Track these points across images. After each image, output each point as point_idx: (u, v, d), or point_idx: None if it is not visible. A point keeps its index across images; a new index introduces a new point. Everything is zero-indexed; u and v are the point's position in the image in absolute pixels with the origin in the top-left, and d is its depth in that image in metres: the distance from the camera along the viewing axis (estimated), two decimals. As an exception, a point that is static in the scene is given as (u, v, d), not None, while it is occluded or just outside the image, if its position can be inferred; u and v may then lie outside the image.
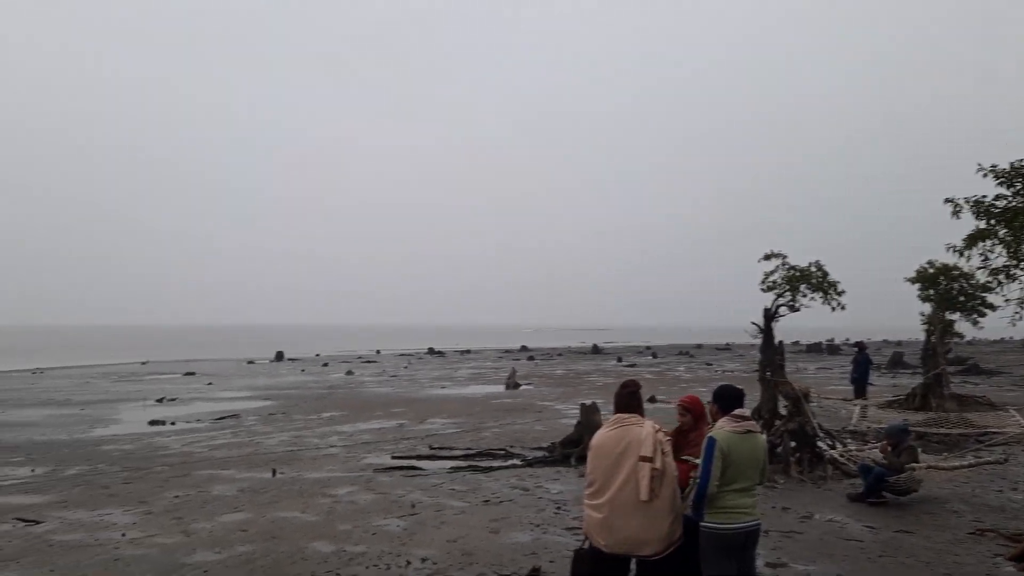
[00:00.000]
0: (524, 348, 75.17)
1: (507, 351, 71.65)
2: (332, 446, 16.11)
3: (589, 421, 14.10)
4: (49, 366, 50.06)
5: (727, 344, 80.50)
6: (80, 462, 14.42)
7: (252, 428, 19.37)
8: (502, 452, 14.76)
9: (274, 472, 13.01)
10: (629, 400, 5.45)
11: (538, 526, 9.35)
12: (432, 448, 15.43)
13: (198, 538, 8.94)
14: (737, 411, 5.31)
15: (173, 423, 20.55)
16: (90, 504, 10.77)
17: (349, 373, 41.32)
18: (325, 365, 49.39)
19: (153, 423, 20.54)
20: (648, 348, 74.70)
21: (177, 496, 11.22)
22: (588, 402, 14.95)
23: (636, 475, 5.05)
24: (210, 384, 34.66)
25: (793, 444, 12.44)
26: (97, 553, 8.36)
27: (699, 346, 79.22)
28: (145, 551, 8.42)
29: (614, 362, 52.06)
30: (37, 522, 9.74)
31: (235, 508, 10.44)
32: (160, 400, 26.94)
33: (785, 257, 14.24)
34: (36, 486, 12.23)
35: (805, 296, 14.08)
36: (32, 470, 13.65)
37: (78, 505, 10.72)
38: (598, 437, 5.38)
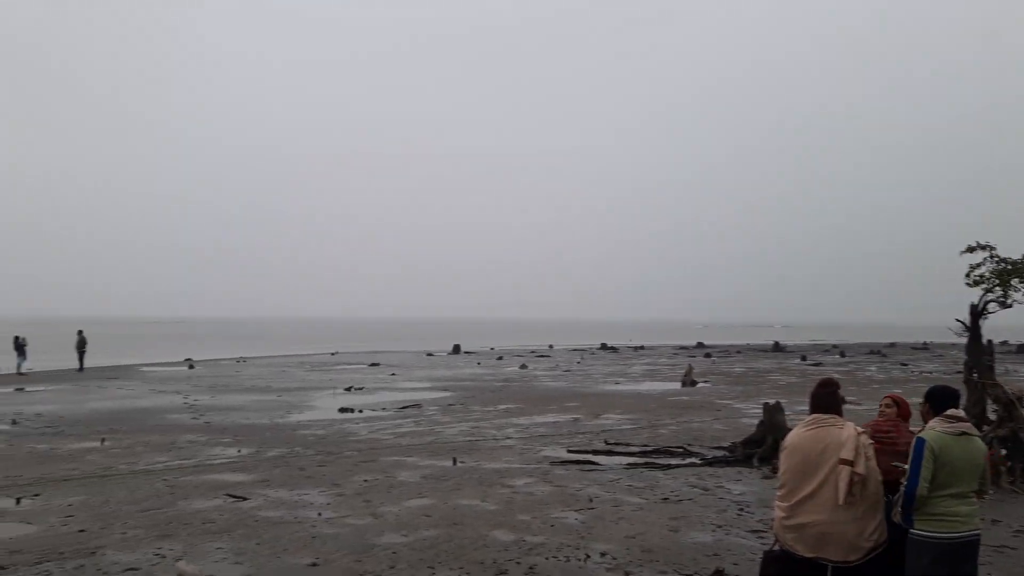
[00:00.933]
0: (700, 345, 73.45)
1: (682, 347, 70.31)
2: (508, 438, 16.42)
3: (773, 421, 13.57)
4: (251, 355, 54.27)
5: (924, 343, 74.97)
6: (280, 445, 15.49)
7: (433, 418, 20.10)
8: (680, 450, 14.47)
9: (454, 461, 13.41)
10: (828, 400, 5.15)
11: (720, 527, 9.08)
12: (608, 443, 15.37)
13: (385, 521, 9.36)
14: (950, 411, 4.89)
15: (360, 411, 21.66)
16: (289, 484, 11.54)
17: (523, 367, 42.00)
18: (500, 359, 50.46)
19: (343, 410, 21.74)
20: (835, 346, 70.90)
21: (366, 480, 11.81)
22: (772, 401, 14.38)
23: (835, 478, 4.78)
24: (393, 375, 36.31)
25: (1004, 452, 11.38)
26: (296, 530, 8.94)
27: (892, 344, 74.31)
28: (339, 530, 8.91)
29: (798, 360, 49.83)
30: (244, 498, 10.56)
31: (419, 494, 10.84)
32: (348, 389, 28.50)
33: (993, 248, 13.04)
34: (242, 465, 13.26)
35: (1018, 291, 12.84)
36: (239, 451, 14.80)
37: (279, 484, 11.52)
38: (794, 437, 5.12)
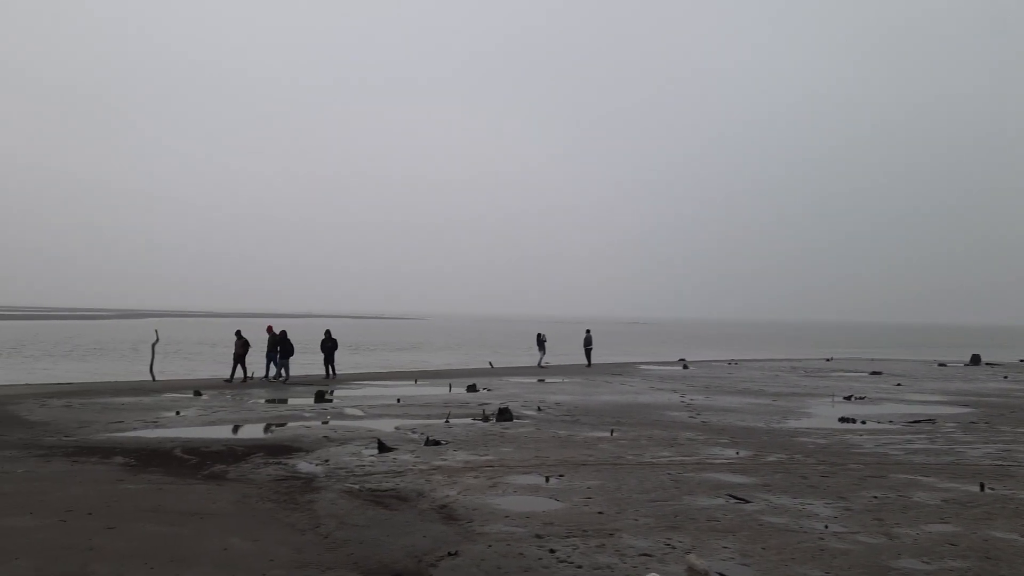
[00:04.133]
0: None
1: None
2: (1053, 466, 13.86)
3: None
4: (741, 357, 54.63)
5: None
6: (778, 450, 15.18)
7: (951, 435, 17.89)
8: None
9: (982, 486, 11.72)
10: None
11: None
12: None
13: (902, 543, 8.53)
14: None
15: (863, 422, 20.24)
16: (792, 491, 11.20)
17: (1065, 384, 35.30)
18: (1032, 372, 43.16)
19: (843, 420, 20.54)
20: None
21: (876, 497, 10.93)
22: None
23: None
24: (898, 385, 33.32)
25: None
26: (801, 540, 8.61)
27: None
28: (848, 547, 8.36)
29: None
30: (747, 501, 10.52)
31: (940, 519, 9.69)
32: (848, 398, 26.87)
33: None
34: (741, 468, 13.26)
35: None
36: (737, 452, 14.85)
37: (781, 491, 11.25)
38: None
